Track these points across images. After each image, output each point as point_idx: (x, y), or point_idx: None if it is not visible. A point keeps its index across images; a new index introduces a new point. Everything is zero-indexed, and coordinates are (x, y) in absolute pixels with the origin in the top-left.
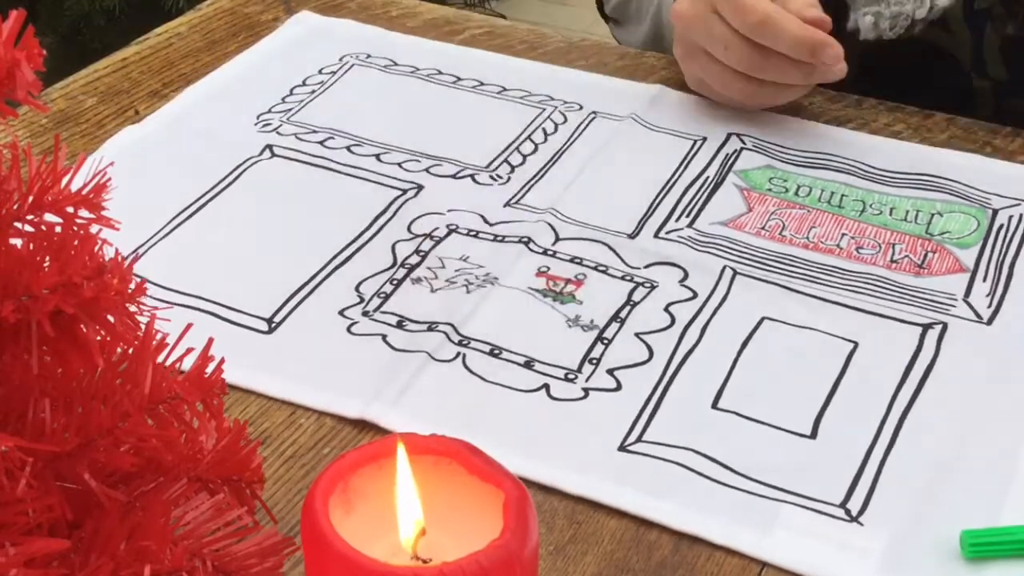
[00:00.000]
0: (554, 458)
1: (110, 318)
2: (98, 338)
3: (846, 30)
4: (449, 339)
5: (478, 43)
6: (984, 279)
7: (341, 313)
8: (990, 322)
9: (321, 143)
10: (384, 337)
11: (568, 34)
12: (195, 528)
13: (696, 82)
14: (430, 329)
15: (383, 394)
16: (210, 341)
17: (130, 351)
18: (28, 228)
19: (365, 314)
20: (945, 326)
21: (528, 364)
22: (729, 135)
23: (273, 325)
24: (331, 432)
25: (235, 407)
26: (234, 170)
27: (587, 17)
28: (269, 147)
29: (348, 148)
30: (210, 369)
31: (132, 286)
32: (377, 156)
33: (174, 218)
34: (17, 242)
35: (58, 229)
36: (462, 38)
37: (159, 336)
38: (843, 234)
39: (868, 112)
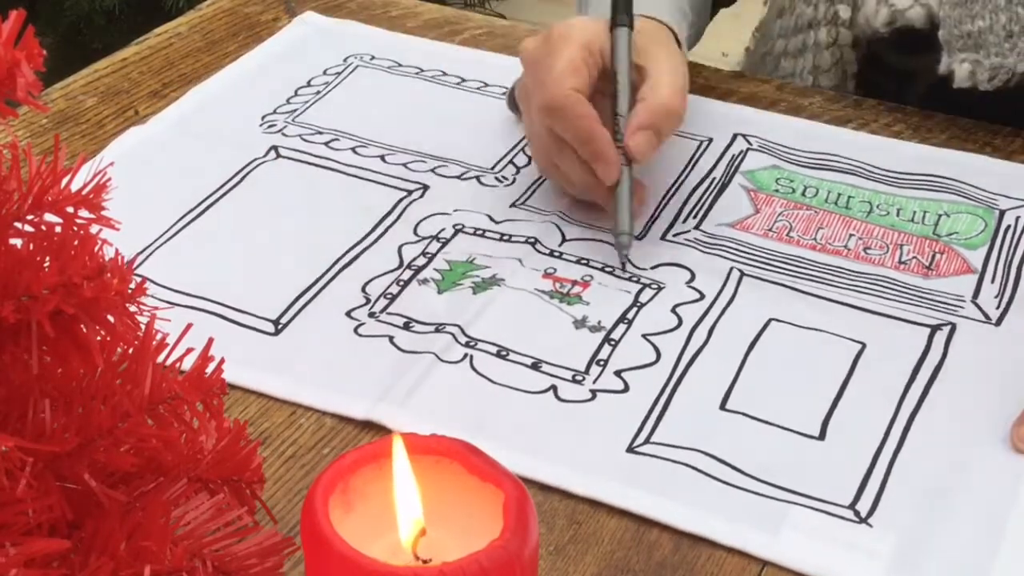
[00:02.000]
0: (562, 460)
1: (110, 318)
2: (98, 338)
3: (935, 72)
4: (456, 340)
5: (478, 43)
6: (992, 280)
7: (348, 314)
8: (998, 323)
9: (326, 144)
10: (391, 338)
11: None
12: (195, 528)
13: (526, 129)
14: (437, 330)
15: (390, 395)
16: (210, 341)
17: (130, 351)
18: (28, 228)
19: (372, 315)
20: (953, 327)
21: (535, 365)
22: (735, 136)
23: (280, 326)
24: (331, 432)
25: (235, 407)
26: (239, 171)
27: None
28: (274, 148)
29: (353, 149)
30: (210, 369)
31: (132, 286)
32: (382, 157)
33: (179, 219)
34: (17, 242)
35: (58, 229)
36: (462, 38)
37: (159, 336)
38: (851, 235)
39: (868, 112)
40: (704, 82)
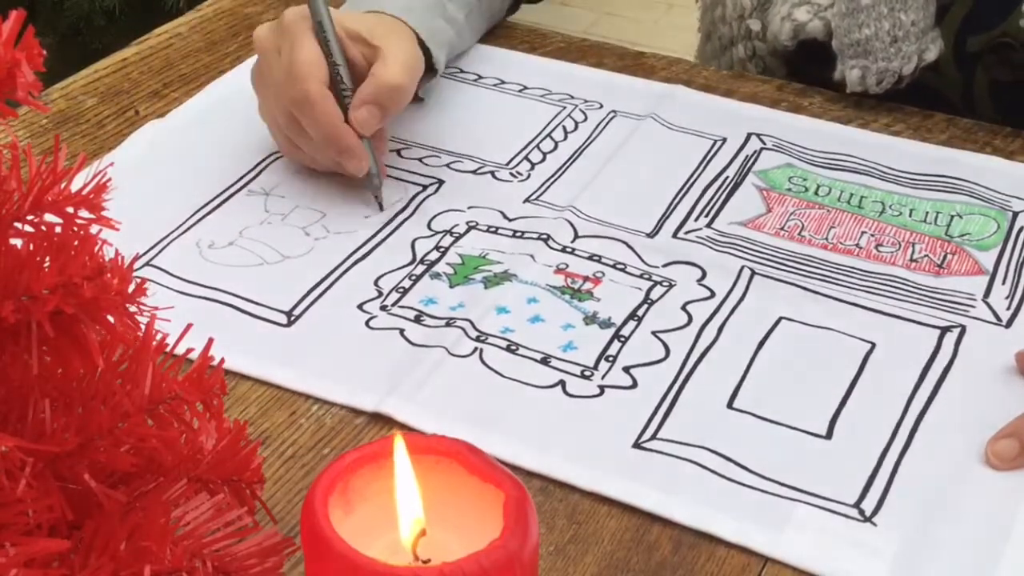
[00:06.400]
0: (569, 454)
1: (110, 318)
2: (98, 338)
3: (832, 79)
4: (466, 334)
5: (478, 43)
6: (1004, 282)
7: (360, 307)
8: (1009, 324)
9: None
10: (402, 331)
11: (568, 34)
12: (195, 528)
13: (260, 111)
14: (448, 324)
15: (400, 388)
16: (210, 341)
17: (130, 351)
18: (28, 228)
19: (383, 308)
20: (964, 328)
21: (545, 360)
22: (749, 135)
23: (292, 318)
24: (331, 432)
25: (235, 407)
26: (257, 165)
27: (587, 17)
28: None
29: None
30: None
31: (132, 286)
32: (398, 152)
33: (195, 212)
34: (17, 242)
35: (58, 229)
36: None
37: (159, 336)
38: (863, 232)
39: (868, 112)
40: (704, 82)
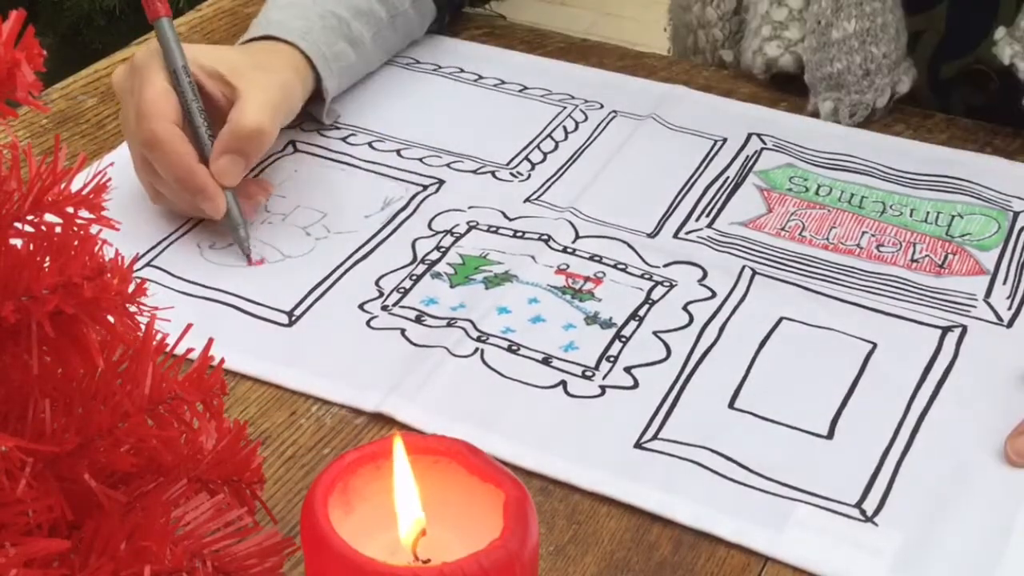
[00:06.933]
0: (570, 454)
1: (110, 318)
2: (98, 338)
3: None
4: (467, 335)
5: (479, 43)
6: (1004, 281)
7: (361, 307)
8: (1010, 324)
9: (343, 139)
10: (403, 331)
11: (568, 34)
12: (195, 528)
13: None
14: (449, 324)
15: (401, 388)
16: (210, 342)
17: (130, 351)
18: (28, 228)
19: (384, 308)
20: (965, 329)
21: (546, 360)
22: (750, 135)
23: (293, 318)
24: (331, 432)
25: (235, 407)
26: (257, 165)
27: (587, 17)
28: (292, 143)
29: (370, 144)
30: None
31: (132, 286)
32: (398, 152)
33: None
34: (17, 242)
35: (58, 229)
36: (462, 38)
37: (159, 336)
38: (863, 232)
39: None
40: (705, 82)
